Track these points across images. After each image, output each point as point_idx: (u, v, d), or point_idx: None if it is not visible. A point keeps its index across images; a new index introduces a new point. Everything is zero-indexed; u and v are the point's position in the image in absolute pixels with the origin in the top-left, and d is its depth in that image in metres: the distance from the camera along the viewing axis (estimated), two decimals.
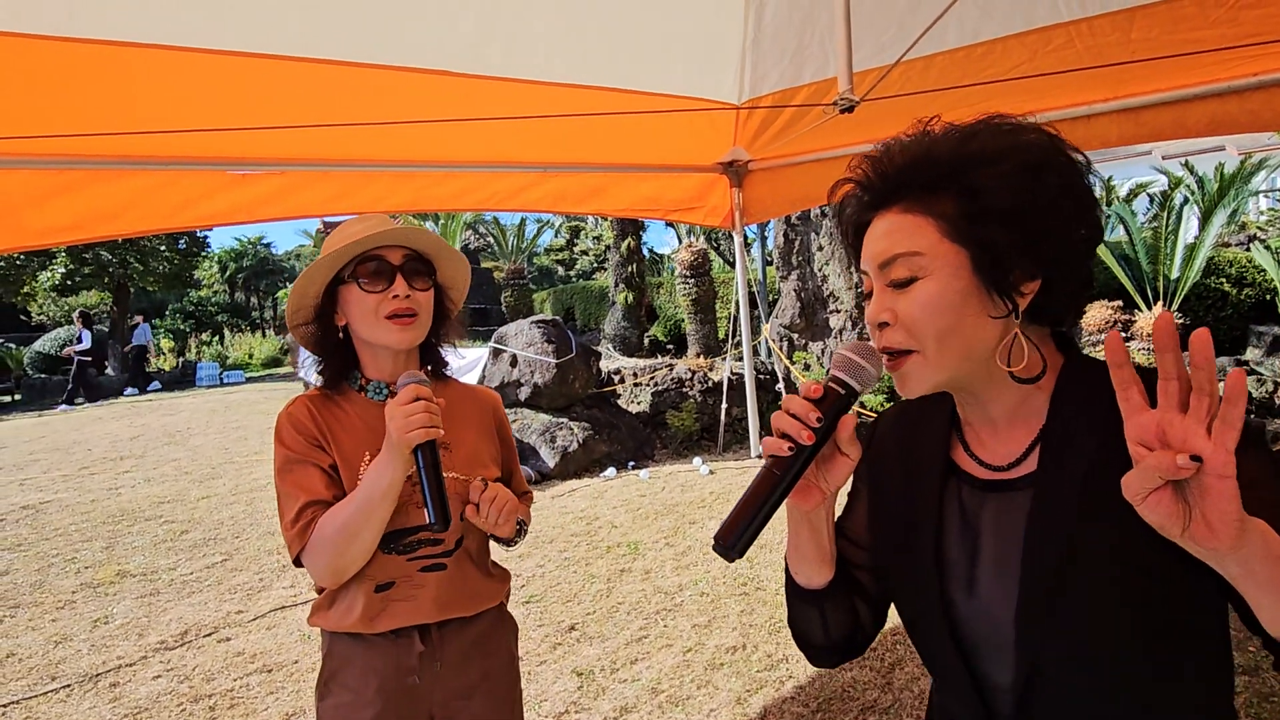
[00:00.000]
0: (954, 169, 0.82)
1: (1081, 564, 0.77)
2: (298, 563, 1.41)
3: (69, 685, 3.66)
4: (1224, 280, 9.35)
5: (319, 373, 1.53)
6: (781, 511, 0.87)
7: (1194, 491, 0.61)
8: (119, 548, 5.89)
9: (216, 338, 26.07)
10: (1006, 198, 0.80)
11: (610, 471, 7.22)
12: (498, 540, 1.54)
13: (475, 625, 1.54)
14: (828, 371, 0.87)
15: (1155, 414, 0.63)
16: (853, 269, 0.99)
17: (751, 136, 3.81)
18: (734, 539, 0.81)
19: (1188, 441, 0.61)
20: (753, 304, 9.83)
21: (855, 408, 0.93)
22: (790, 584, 0.98)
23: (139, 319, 19.45)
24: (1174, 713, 0.80)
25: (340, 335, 1.49)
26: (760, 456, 0.99)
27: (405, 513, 1.40)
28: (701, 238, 13.94)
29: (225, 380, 20.41)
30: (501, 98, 2.74)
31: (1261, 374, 8.47)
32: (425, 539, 1.45)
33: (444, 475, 1.35)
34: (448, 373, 1.66)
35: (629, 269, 14.37)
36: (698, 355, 12.19)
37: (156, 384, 18.72)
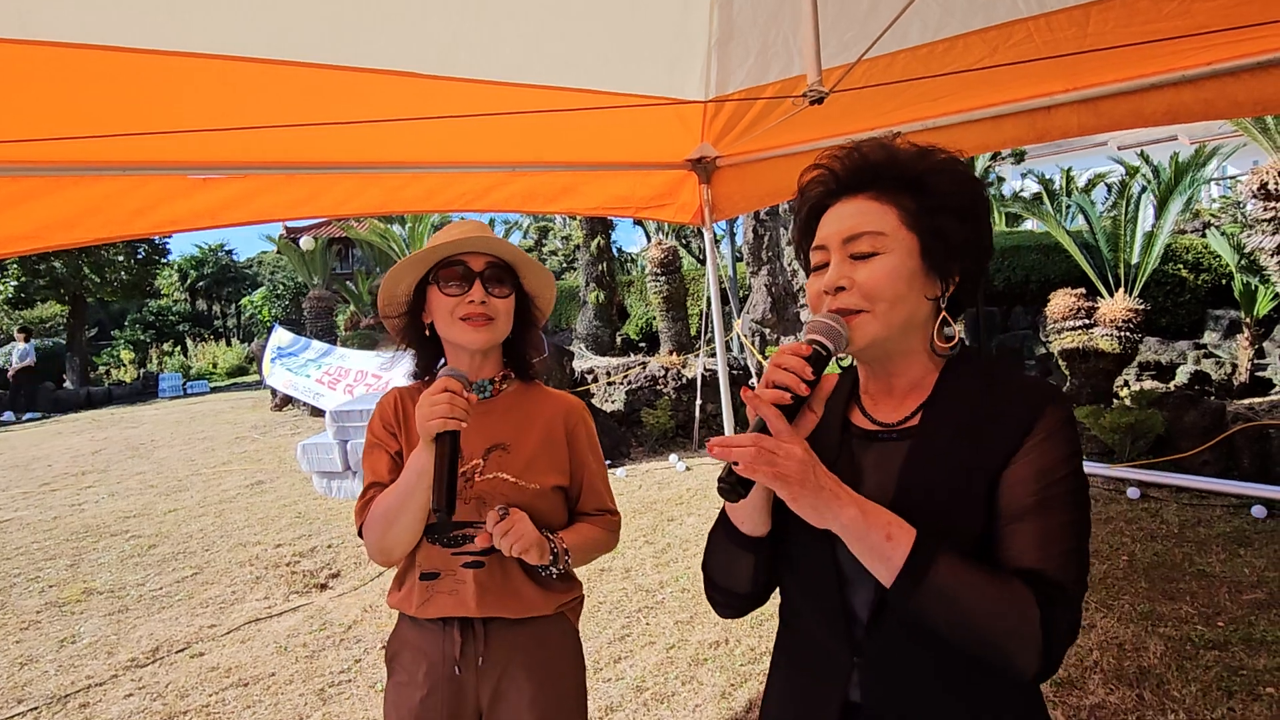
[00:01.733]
0: (917, 172, 1.00)
1: (936, 505, 0.93)
2: (361, 535, 1.52)
3: (36, 708, 3.56)
4: (1181, 266, 9.58)
5: (413, 361, 1.63)
6: None
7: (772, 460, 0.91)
8: (84, 565, 5.75)
9: (178, 348, 25.52)
10: (957, 201, 0.99)
11: None
12: (531, 567, 1.51)
13: (523, 630, 1.54)
14: (803, 338, 0.99)
15: None
16: (798, 248, 1.11)
17: (719, 133, 3.82)
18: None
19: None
20: (724, 300, 9.86)
21: None
22: (731, 534, 1.07)
23: (20, 336, 17.49)
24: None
25: (427, 332, 1.58)
26: None
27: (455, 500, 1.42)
28: (671, 235, 13.96)
29: (189, 391, 20.00)
30: (469, 99, 2.72)
31: (1219, 357, 8.69)
32: (469, 534, 1.50)
33: (498, 475, 1.49)
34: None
35: (599, 268, 14.34)
36: (670, 353, 12.21)
37: (36, 413, 16.50)
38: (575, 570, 1.63)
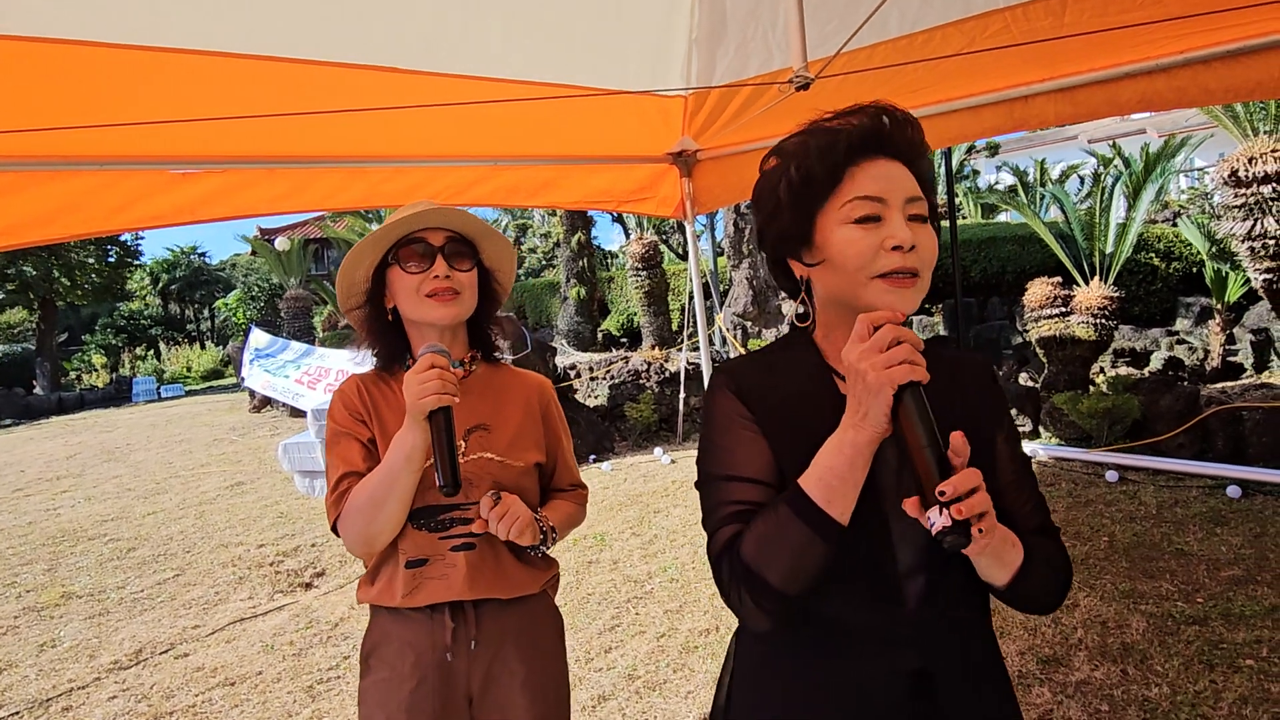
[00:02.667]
0: (923, 153, 1.03)
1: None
2: (335, 531, 1.45)
3: (17, 713, 3.50)
4: (1154, 255, 9.75)
5: (372, 349, 1.56)
6: None
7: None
8: (62, 569, 5.66)
9: (151, 352, 25.15)
10: (931, 183, 1.03)
11: None
12: (518, 547, 1.49)
13: (513, 610, 1.52)
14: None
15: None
16: (801, 194, 1.01)
17: (700, 127, 3.83)
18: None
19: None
20: (705, 294, 9.89)
21: None
22: (822, 525, 0.91)
23: None
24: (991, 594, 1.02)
25: (390, 318, 1.54)
26: None
27: (436, 490, 1.38)
28: (651, 230, 13.97)
29: (163, 394, 19.72)
30: (450, 94, 2.71)
31: (1191, 343, 8.86)
32: (457, 517, 1.46)
33: (482, 455, 1.46)
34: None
35: (580, 263, 14.32)
36: (653, 347, 12.23)
37: None
38: (572, 551, 1.64)
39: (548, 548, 1.50)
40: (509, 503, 1.42)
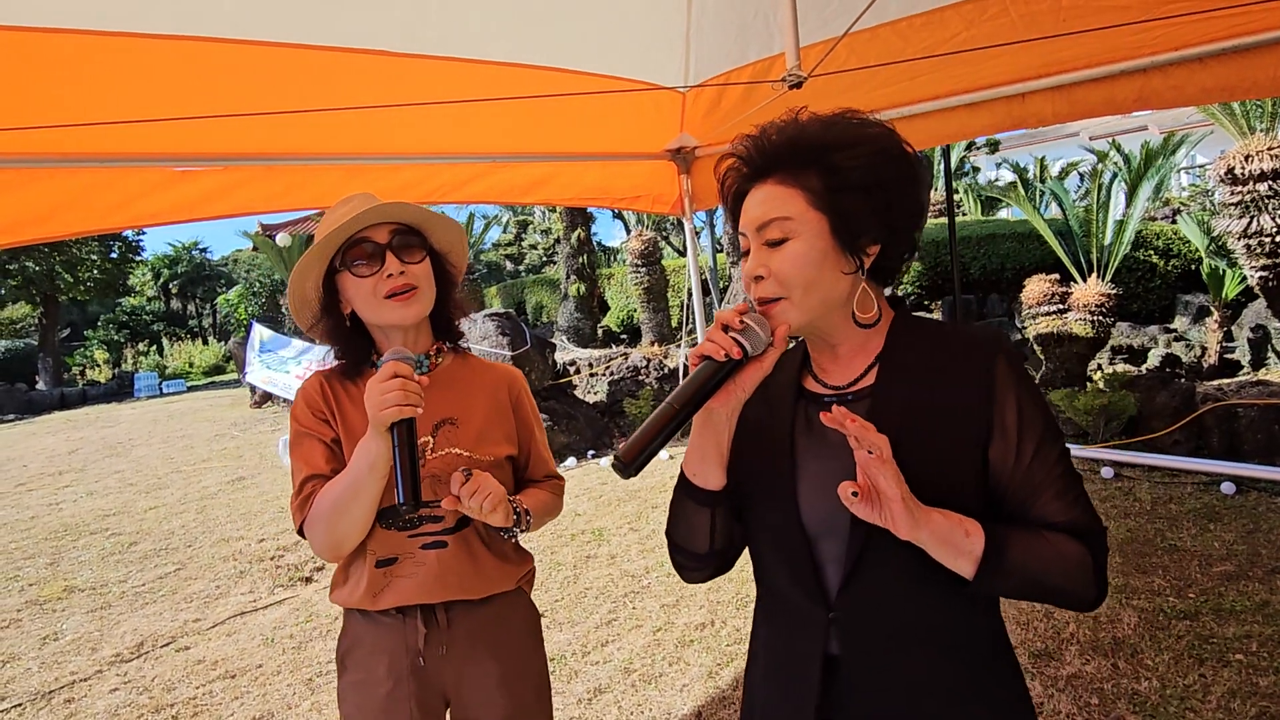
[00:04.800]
0: (820, 149, 1.00)
1: (902, 458, 0.92)
2: (302, 534, 1.43)
3: (20, 704, 3.54)
4: (1152, 252, 9.76)
5: (337, 357, 1.52)
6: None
7: (881, 503, 0.90)
8: (64, 563, 5.70)
9: (154, 347, 25.19)
10: (860, 175, 0.99)
11: (570, 461, 7.23)
12: (492, 529, 1.47)
13: (486, 609, 1.50)
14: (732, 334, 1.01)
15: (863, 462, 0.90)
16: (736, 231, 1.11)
17: (698, 121, 3.84)
18: (639, 454, 0.93)
19: (876, 482, 0.90)
20: (705, 291, 9.90)
21: None
22: (688, 489, 1.09)
23: None
24: (959, 593, 0.97)
25: (349, 323, 1.48)
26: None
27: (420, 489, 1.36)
28: (651, 227, 13.98)
29: (165, 390, 19.76)
30: (443, 79, 2.70)
31: (1189, 340, 8.87)
32: (426, 515, 1.43)
33: (450, 450, 1.42)
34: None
35: (580, 260, 14.33)
36: (652, 344, 12.26)
37: None
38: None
39: (521, 529, 1.46)
40: (480, 478, 1.36)
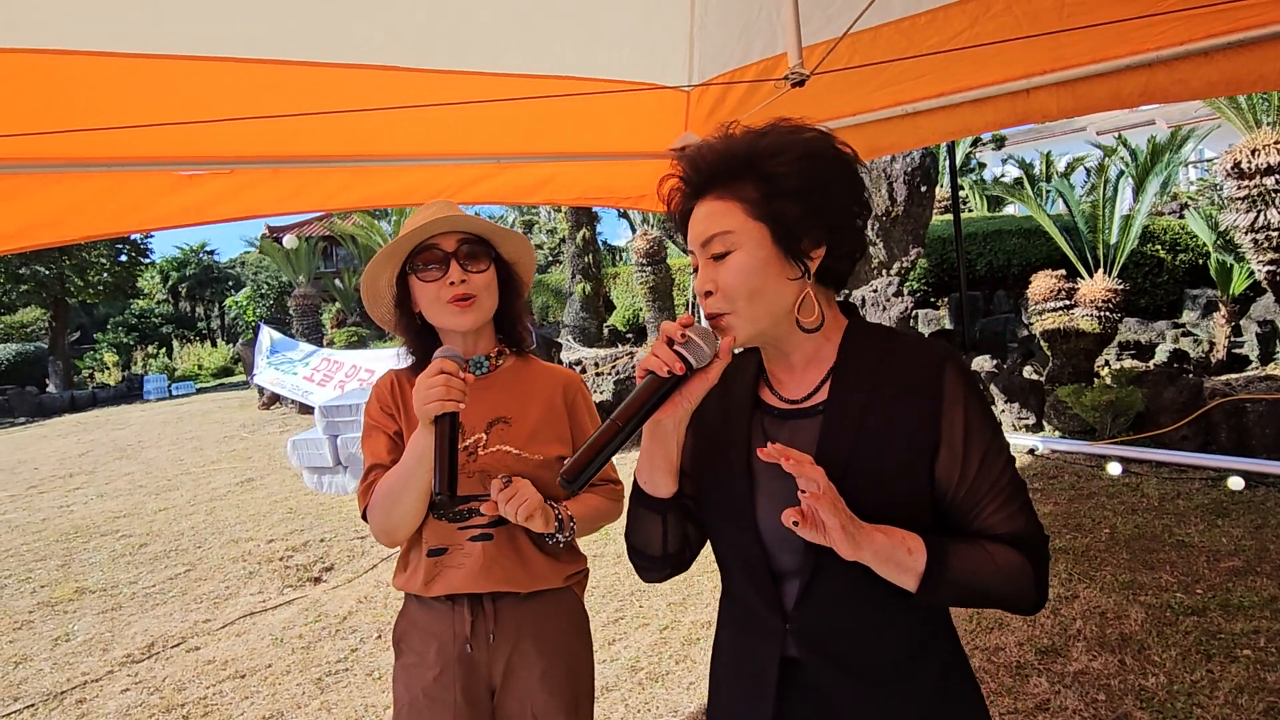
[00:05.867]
0: (751, 160, 1.01)
1: (854, 476, 0.97)
2: (365, 518, 1.52)
3: (33, 705, 3.57)
4: (1159, 247, 9.71)
5: (410, 354, 1.61)
6: None
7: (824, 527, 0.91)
8: (75, 565, 5.74)
9: (163, 350, 25.32)
10: (793, 180, 1.00)
11: None
12: (539, 538, 1.51)
13: (533, 604, 1.55)
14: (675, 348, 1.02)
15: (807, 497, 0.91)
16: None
17: (703, 120, 3.84)
18: (580, 471, 0.95)
19: (816, 512, 0.91)
20: None
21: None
22: (639, 496, 1.13)
23: None
24: (908, 602, 0.98)
25: (419, 321, 1.58)
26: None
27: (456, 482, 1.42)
28: (657, 226, 13.98)
29: (175, 392, 19.86)
30: (451, 91, 2.73)
31: (1197, 335, 8.83)
32: (475, 509, 1.50)
33: (500, 448, 1.50)
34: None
35: (585, 259, 14.36)
36: None
37: None
38: (580, 547, 1.66)
39: (565, 537, 1.49)
40: (518, 485, 1.42)
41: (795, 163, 1.00)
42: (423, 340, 1.59)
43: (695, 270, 1.07)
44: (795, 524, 0.91)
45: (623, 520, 1.26)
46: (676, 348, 0.99)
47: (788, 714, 1.06)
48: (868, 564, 0.93)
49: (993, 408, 1.27)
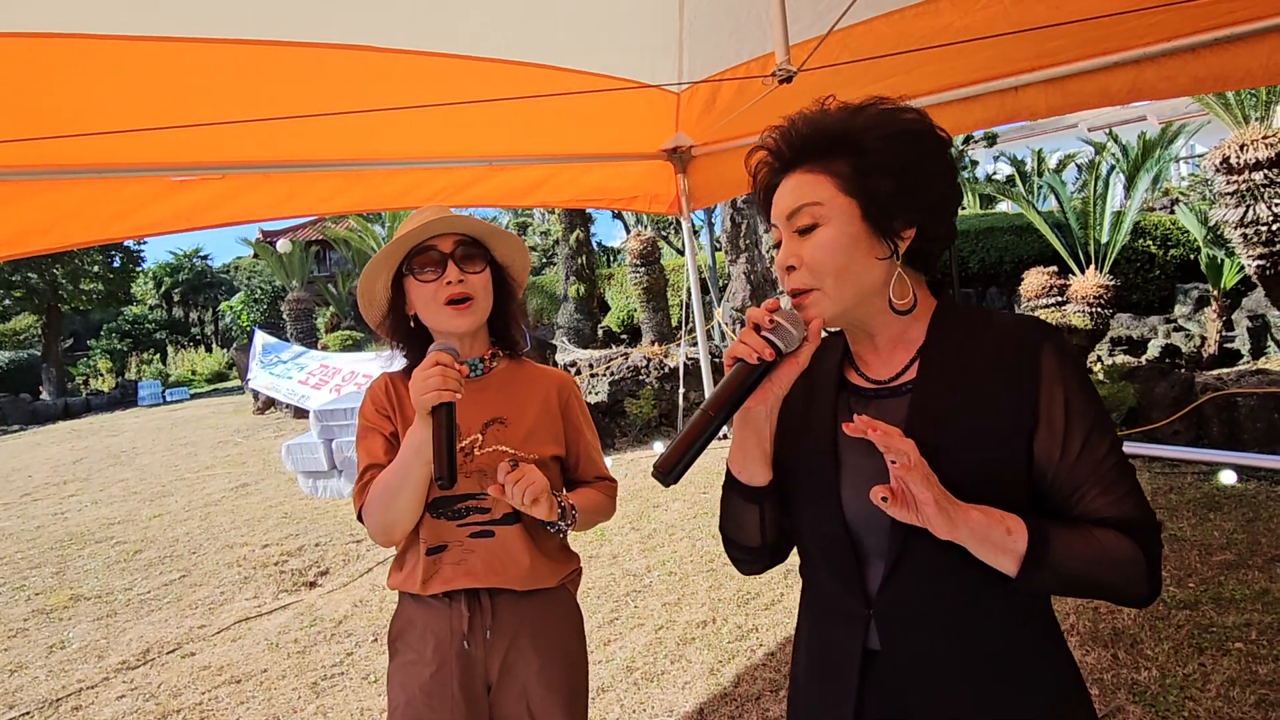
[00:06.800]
0: (845, 135, 0.99)
1: (945, 454, 0.93)
2: (360, 519, 1.53)
3: (28, 713, 3.56)
4: (1151, 242, 9.75)
5: (403, 357, 1.62)
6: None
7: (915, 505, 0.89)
8: (70, 572, 5.72)
9: (157, 355, 25.24)
10: (889, 157, 0.97)
11: None
12: (538, 522, 1.51)
13: (529, 602, 1.56)
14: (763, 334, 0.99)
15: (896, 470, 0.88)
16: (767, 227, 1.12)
17: (693, 121, 3.85)
18: (676, 463, 0.94)
19: (907, 486, 0.88)
20: (704, 289, 9.92)
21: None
22: (734, 486, 1.11)
23: None
24: (1003, 586, 0.95)
25: (413, 324, 1.59)
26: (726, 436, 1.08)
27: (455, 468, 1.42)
28: (650, 227, 13.99)
29: (169, 398, 19.80)
30: (436, 76, 2.71)
31: (1189, 330, 8.87)
32: (474, 506, 1.52)
33: (497, 448, 1.51)
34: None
35: (579, 261, 14.35)
36: (652, 343, 12.26)
37: None
38: (573, 547, 1.67)
39: (567, 525, 1.51)
40: (525, 469, 1.42)
41: (890, 139, 0.98)
42: (416, 345, 1.59)
43: (777, 245, 1.05)
44: (884, 500, 0.88)
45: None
46: (764, 333, 0.97)
47: (871, 708, 1.03)
48: (963, 543, 0.89)
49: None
